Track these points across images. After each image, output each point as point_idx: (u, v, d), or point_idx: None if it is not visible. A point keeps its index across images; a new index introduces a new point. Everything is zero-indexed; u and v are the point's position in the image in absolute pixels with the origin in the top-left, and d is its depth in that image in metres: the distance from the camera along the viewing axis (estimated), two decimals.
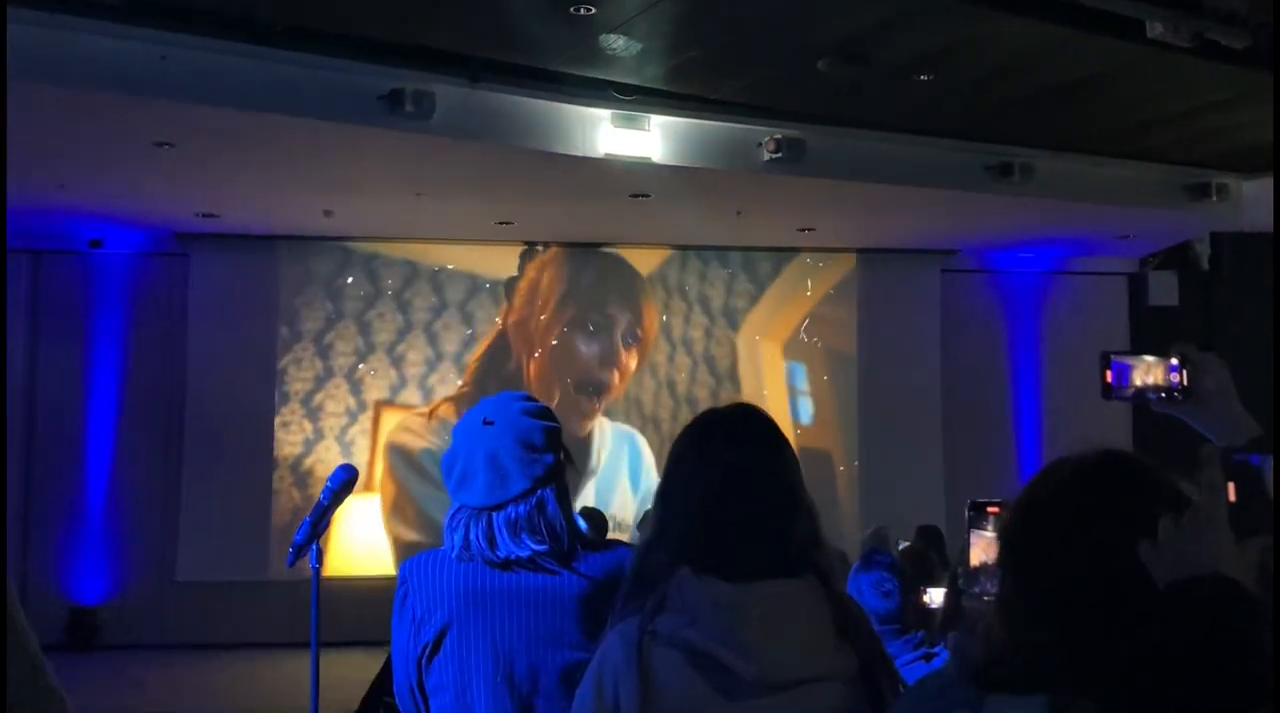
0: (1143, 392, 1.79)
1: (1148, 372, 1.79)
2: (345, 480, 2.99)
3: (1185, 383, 1.77)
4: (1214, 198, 9.11)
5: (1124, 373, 1.80)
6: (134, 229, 10.10)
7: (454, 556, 2.29)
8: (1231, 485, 1.32)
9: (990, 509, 1.78)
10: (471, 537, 2.26)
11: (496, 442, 2.28)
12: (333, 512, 2.97)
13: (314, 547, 2.96)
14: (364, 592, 8.38)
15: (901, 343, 11.04)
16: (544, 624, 2.23)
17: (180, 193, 8.81)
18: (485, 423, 2.30)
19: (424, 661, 2.26)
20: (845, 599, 1.89)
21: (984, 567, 1.75)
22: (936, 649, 3.37)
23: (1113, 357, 1.80)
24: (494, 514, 2.26)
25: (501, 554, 2.24)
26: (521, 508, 2.26)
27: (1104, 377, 1.79)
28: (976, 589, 1.75)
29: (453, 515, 2.31)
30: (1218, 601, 1.22)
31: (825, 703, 1.77)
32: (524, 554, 2.25)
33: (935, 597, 3.56)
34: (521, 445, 2.29)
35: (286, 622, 8.81)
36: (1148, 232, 10.29)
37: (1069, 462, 1.45)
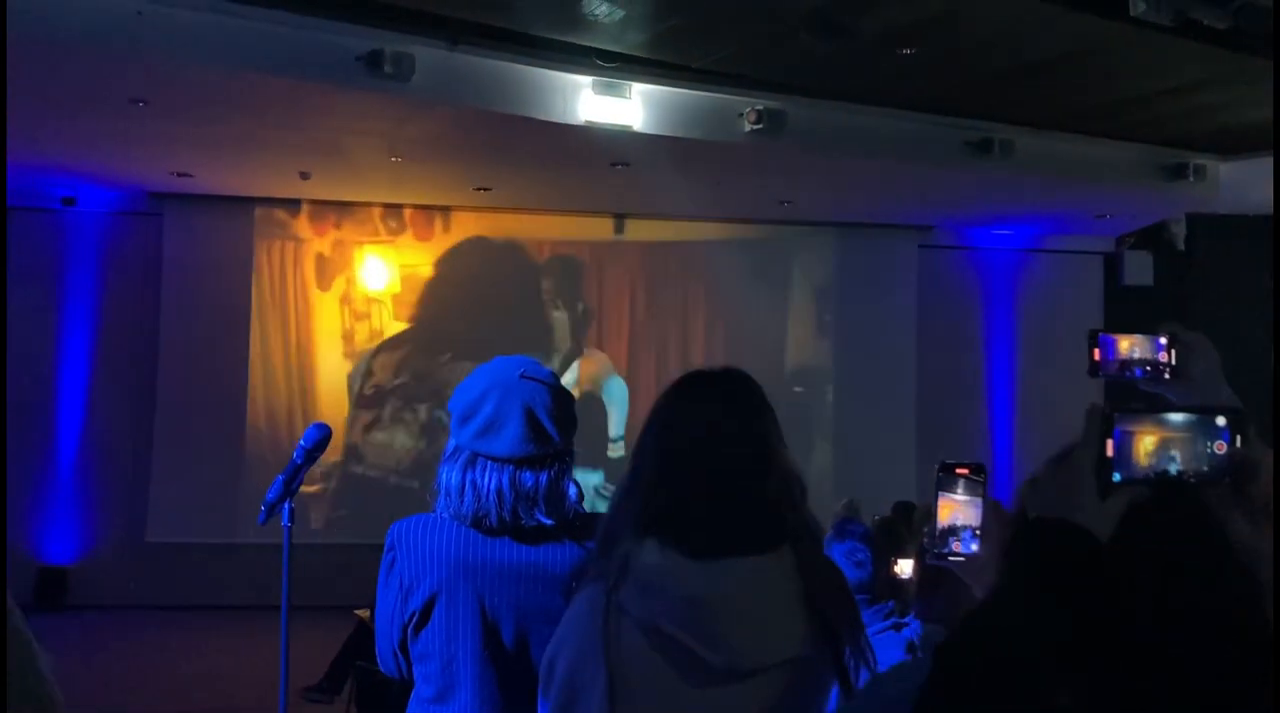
0: (1130, 369, 1.79)
1: (1136, 350, 1.79)
2: (318, 440, 2.98)
3: (1174, 362, 1.78)
4: (1191, 179, 9.15)
5: (1111, 350, 1.79)
6: (107, 187, 10.01)
7: (449, 513, 2.22)
8: (1110, 442, 1.36)
9: (959, 471, 1.77)
10: (485, 489, 2.19)
11: (535, 396, 2.23)
12: (306, 471, 2.95)
13: (286, 505, 2.94)
14: (335, 555, 8.38)
15: (878, 318, 11.08)
16: (534, 600, 2.19)
17: (154, 151, 8.71)
18: (523, 376, 2.24)
19: (410, 628, 2.22)
20: (819, 569, 1.83)
21: (953, 529, 1.76)
22: (907, 620, 3.39)
23: (1101, 334, 1.80)
24: (521, 471, 2.20)
25: (509, 520, 2.19)
26: (545, 475, 2.21)
27: (1091, 353, 1.79)
28: (944, 551, 1.75)
29: (466, 463, 2.23)
30: (1060, 542, 1.31)
31: (792, 685, 1.75)
32: (529, 525, 2.20)
33: (905, 567, 3.57)
34: (559, 405, 2.25)
35: (257, 584, 8.79)
36: (1124, 211, 10.34)
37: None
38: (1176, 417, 1.39)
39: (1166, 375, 1.78)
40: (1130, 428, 1.37)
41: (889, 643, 3.21)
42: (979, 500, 1.64)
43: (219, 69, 6.60)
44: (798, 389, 11.03)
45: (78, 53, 6.32)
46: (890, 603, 3.56)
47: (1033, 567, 1.30)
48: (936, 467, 1.69)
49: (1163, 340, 1.79)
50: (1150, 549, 1.33)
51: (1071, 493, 1.33)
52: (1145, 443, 1.37)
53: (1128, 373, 1.80)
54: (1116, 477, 1.35)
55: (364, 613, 6.54)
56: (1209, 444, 1.38)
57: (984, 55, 6.92)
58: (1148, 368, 1.78)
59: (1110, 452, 1.35)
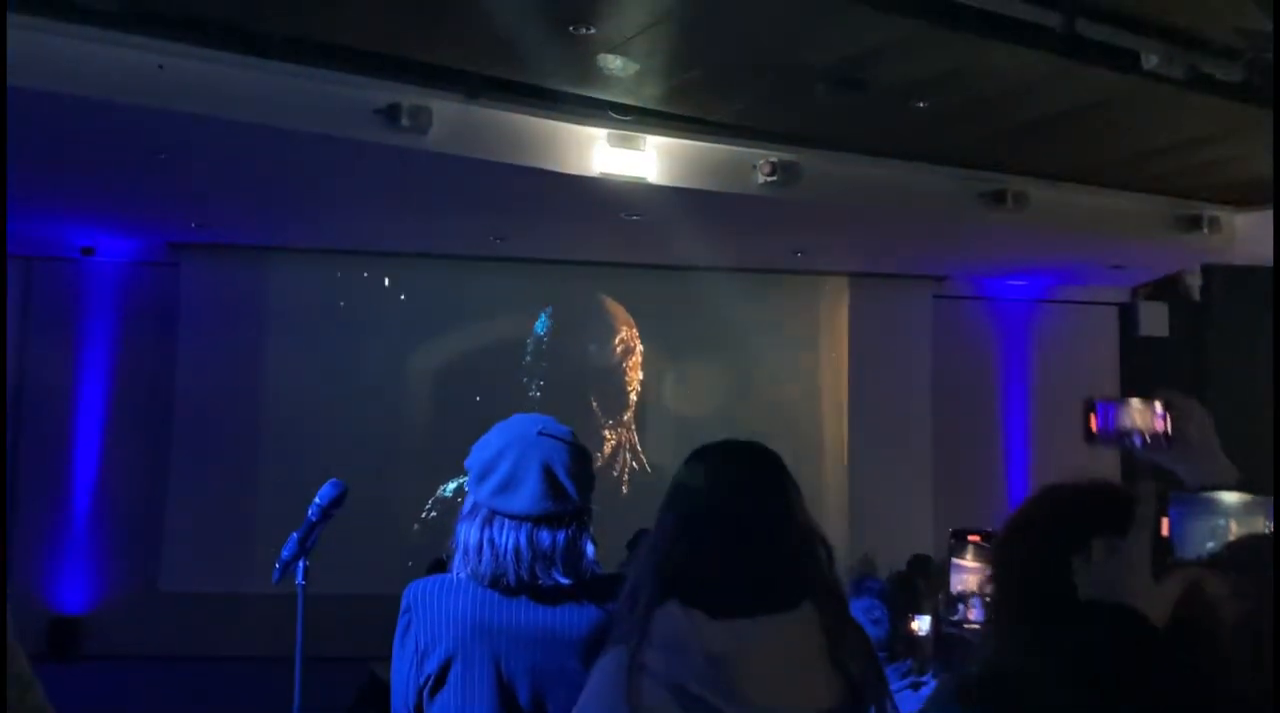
0: (1128, 436, 1.79)
1: (1132, 416, 1.79)
2: (334, 497, 2.97)
3: (1169, 429, 1.78)
4: (1206, 230, 9.15)
5: (1108, 417, 1.80)
6: (126, 237, 10.08)
7: (467, 572, 2.21)
8: (1165, 521, 1.34)
9: (971, 538, 1.79)
10: (503, 547, 2.18)
11: (553, 453, 2.22)
12: (321, 529, 2.94)
13: (301, 564, 2.93)
14: (348, 607, 8.32)
15: (892, 368, 11.05)
16: (550, 662, 2.16)
17: (173, 202, 8.79)
18: (541, 434, 2.23)
19: (425, 692, 2.19)
20: (842, 627, 1.86)
21: (963, 595, 1.76)
22: (924, 679, 3.36)
23: (1097, 401, 1.80)
24: (539, 529, 2.18)
25: (527, 579, 2.17)
26: (562, 534, 2.19)
27: (1088, 421, 1.80)
28: (956, 618, 1.76)
29: (483, 521, 2.22)
30: (1120, 629, 1.28)
31: None
32: (546, 585, 2.18)
33: (923, 625, 3.55)
34: (577, 463, 2.24)
35: (272, 634, 8.72)
36: (1140, 262, 10.33)
37: (1055, 489, 1.49)
38: (1231, 497, 1.38)
39: (1164, 443, 1.78)
40: (1185, 508, 1.36)
41: (907, 703, 3.18)
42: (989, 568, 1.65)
43: (238, 122, 6.66)
44: (811, 441, 10.99)
45: (99, 106, 6.40)
46: (909, 661, 3.53)
47: (1088, 650, 1.28)
48: (949, 533, 1.70)
49: (1159, 408, 1.79)
50: (1209, 631, 1.31)
51: (1126, 574, 1.31)
52: (1200, 523, 1.36)
53: (1126, 441, 1.80)
54: (1172, 557, 1.33)
55: (375, 666, 6.51)
56: (1266, 524, 1.37)
57: (998, 108, 6.95)
58: (1146, 437, 1.78)
59: (1165, 531, 1.33)
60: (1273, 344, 7.28)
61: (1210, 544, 1.36)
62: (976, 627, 1.65)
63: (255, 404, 10.26)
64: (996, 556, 1.54)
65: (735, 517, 1.84)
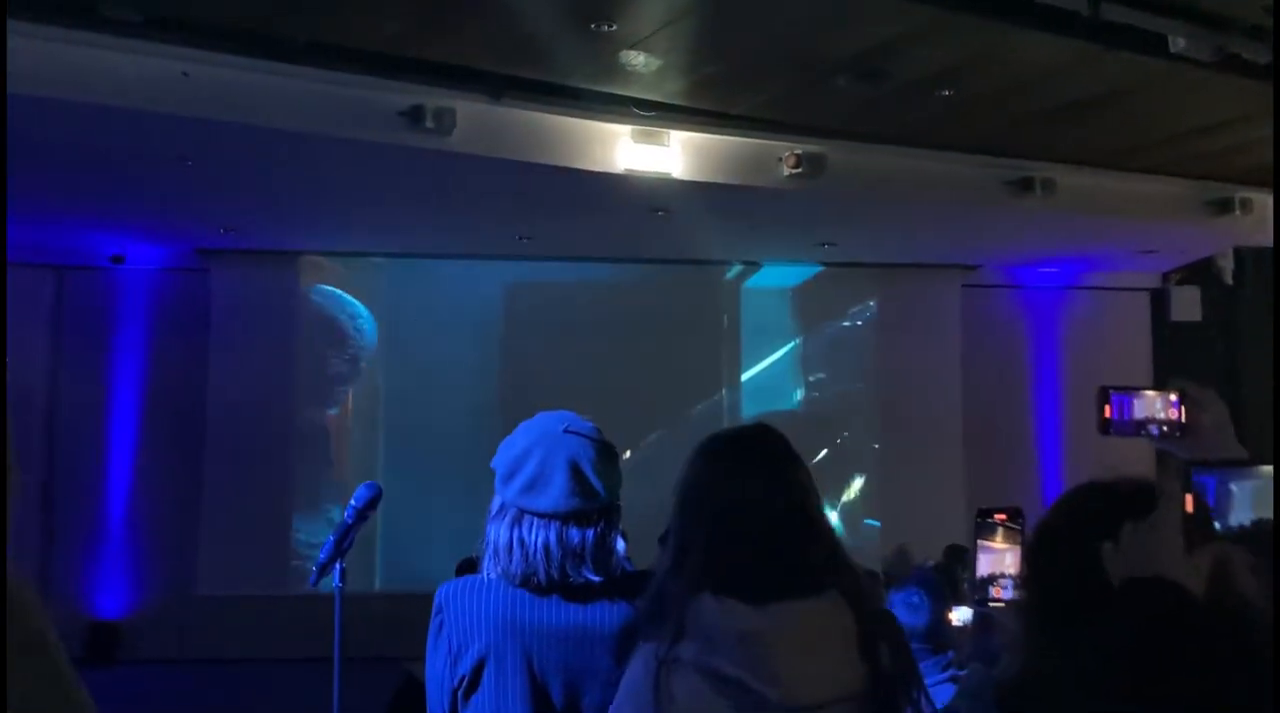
0: (1142, 426, 1.79)
1: (1147, 406, 1.78)
2: (369, 499, 2.98)
3: (1184, 419, 1.78)
4: (1237, 212, 9.05)
5: (1123, 407, 1.80)
6: (155, 244, 10.15)
7: (498, 572, 2.20)
8: (1189, 498, 1.35)
9: (998, 516, 1.79)
10: (533, 546, 2.16)
11: (580, 450, 2.20)
12: (357, 530, 2.96)
13: (338, 566, 2.94)
14: (385, 607, 8.36)
15: (922, 359, 11.00)
16: (581, 660, 2.15)
17: (201, 208, 8.84)
18: (566, 431, 2.22)
19: (460, 693, 2.19)
20: (874, 614, 1.88)
21: (992, 577, 1.77)
22: (965, 673, 3.33)
23: (1112, 392, 1.80)
24: (568, 527, 2.17)
25: (558, 577, 2.16)
26: (591, 531, 2.17)
27: (1102, 411, 1.80)
28: (986, 598, 1.77)
29: (512, 520, 2.20)
30: (1160, 601, 1.29)
31: None
32: (577, 583, 2.17)
33: (962, 615, 3.52)
34: (604, 460, 2.23)
35: (309, 636, 8.78)
36: (1171, 246, 10.24)
37: (1082, 489, 1.49)
38: (1260, 468, 1.38)
39: (1178, 433, 1.78)
40: (1210, 481, 1.36)
41: (945, 695, 3.16)
42: (1018, 548, 1.65)
43: (262, 127, 6.69)
44: (844, 434, 10.96)
45: (125, 114, 6.44)
46: (950, 653, 3.51)
47: (1129, 631, 1.28)
48: (975, 513, 1.70)
49: (1174, 397, 1.78)
50: (1237, 604, 1.31)
51: (1158, 550, 1.31)
52: (1226, 496, 1.36)
53: (1141, 431, 1.80)
54: (1210, 528, 1.33)
55: (412, 667, 6.51)
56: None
57: (1023, 95, 6.90)
58: (1163, 427, 1.78)
59: (1190, 507, 1.34)
60: (1273, 331, 7.21)
61: (1253, 515, 1.36)
62: (1004, 604, 1.66)
63: (287, 407, 10.31)
64: (1029, 561, 1.55)
65: (754, 515, 1.84)
